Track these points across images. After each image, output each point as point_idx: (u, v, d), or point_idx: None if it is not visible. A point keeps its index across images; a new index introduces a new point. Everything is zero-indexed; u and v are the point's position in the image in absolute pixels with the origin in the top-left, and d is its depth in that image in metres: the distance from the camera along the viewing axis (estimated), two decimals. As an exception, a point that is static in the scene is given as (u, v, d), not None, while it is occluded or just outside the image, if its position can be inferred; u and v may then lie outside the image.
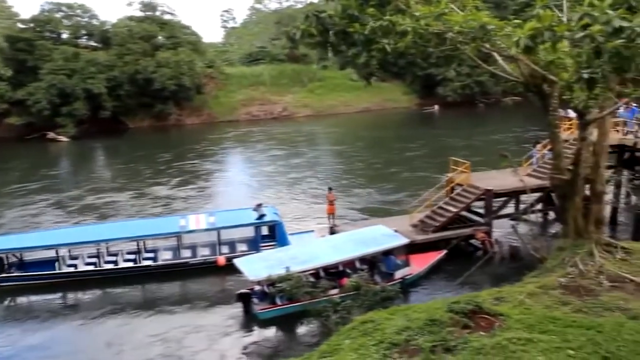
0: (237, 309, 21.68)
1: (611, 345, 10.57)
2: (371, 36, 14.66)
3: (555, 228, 26.66)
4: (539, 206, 28.95)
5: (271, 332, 20.51)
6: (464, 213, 28.02)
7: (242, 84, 75.52)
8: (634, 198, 28.73)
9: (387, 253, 23.36)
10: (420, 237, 26.28)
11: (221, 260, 25.18)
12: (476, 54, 16.71)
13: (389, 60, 17.70)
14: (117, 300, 23.22)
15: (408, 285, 23.31)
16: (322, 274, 22.56)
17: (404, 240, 23.69)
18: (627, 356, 10.18)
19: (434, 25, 13.96)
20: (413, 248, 24.87)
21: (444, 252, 25.57)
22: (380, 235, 23.93)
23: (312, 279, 21.86)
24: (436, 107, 73.33)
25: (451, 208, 27.23)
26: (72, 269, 25.25)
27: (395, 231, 24.80)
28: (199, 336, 19.95)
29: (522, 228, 25.27)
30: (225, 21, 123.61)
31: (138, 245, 26.38)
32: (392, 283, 22.12)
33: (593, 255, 17.01)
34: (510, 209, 28.53)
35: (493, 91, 69.32)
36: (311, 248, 23.31)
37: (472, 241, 27.45)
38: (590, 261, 16.78)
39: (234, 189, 40.16)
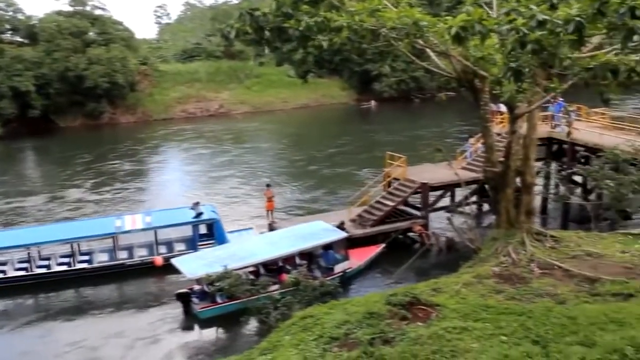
0: (177, 309, 21.43)
1: (540, 329, 11.00)
2: (306, 33, 14.73)
3: (490, 219, 27.45)
4: (474, 198, 29.75)
5: (212, 331, 20.37)
6: (402, 207, 28.52)
7: (178, 81, 74.25)
8: (562, 188, 29.87)
9: (326, 248, 23.54)
10: (358, 232, 26.60)
11: (159, 260, 24.81)
12: (410, 50, 17.06)
13: (325, 56, 17.91)
14: (46, 307, 22.50)
15: (348, 279, 23.59)
16: (262, 270, 22.55)
17: (342, 235, 23.92)
18: (554, 339, 10.62)
19: (368, 21, 14.16)
20: (352, 242, 25.18)
21: (383, 245, 25.97)
22: (319, 230, 24.08)
23: (251, 276, 21.86)
24: (373, 102, 74.10)
25: (388, 202, 27.66)
26: (0, 276, 24.35)
27: (342, 227, 25.13)
28: (137, 338, 19.62)
29: (458, 220, 25.86)
30: (159, 17, 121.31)
31: (72, 247, 25.67)
32: (332, 277, 22.39)
33: (524, 244, 17.64)
34: (445, 201, 29.23)
35: (428, 87, 70.56)
36: (250, 245, 23.27)
37: (410, 234, 28.00)
38: (522, 250, 17.41)
39: (163, 189, 39.28)
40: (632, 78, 10.42)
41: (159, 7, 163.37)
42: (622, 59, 10.38)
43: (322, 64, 18.54)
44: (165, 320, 20.90)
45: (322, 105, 74.89)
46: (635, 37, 8.56)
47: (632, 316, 11.38)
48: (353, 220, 27.42)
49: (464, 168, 28.55)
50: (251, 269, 22.32)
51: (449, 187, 28.46)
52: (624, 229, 22.76)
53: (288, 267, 23.02)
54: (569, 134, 26.19)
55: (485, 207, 30.69)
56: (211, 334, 20.25)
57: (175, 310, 21.45)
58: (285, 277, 21.30)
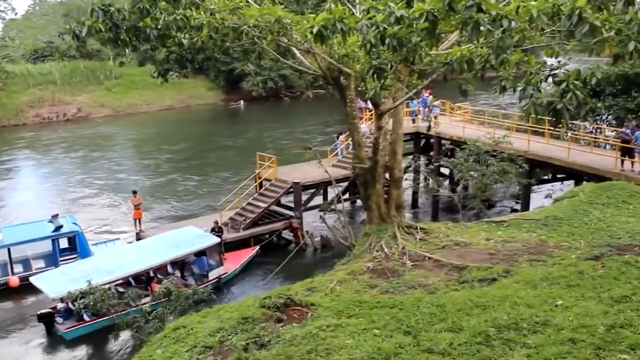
0: (40, 331, 20.30)
1: (411, 319, 11.55)
2: (165, 31, 14.49)
3: (363, 215, 28.35)
4: (346, 195, 30.62)
5: (80, 351, 19.51)
6: (274, 207, 28.86)
7: (29, 83, 69.96)
8: (431, 181, 31.42)
9: (200, 254, 23.32)
10: (231, 235, 26.62)
11: (14, 281, 23.35)
12: (275, 48, 17.22)
13: (187, 55, 17.68)
14: None
15: (224, 285, 23.52)
16: (133, 282, 21.94)
17: (215, 240, 23.79)
18: (424, 327, 11.19)
19: (229, 19, 14.11)
20: (226, 247, 25.10)
21: (257, 248, 26.15)
22: (191, 237, 23.81)
23: (121, 289, 21.20)
24: (242, 102, 74.02)
25: (260, 204, 27.88)
26: None
27: (217, 229, 24.99)
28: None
29: (331, 218, 26.53)
30: (2, 12, 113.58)
31: None
32: (206, 284, 22.22)
33: (396, 238, 18.33)
34: (318, 200, 29.94)
35: (297, 85, 71.53)
36: (117, 257, 22.53)
37: (284, 235, 28.38)
38: (394, 244, 18.07)
39: (17, 202, 36.85)
40: (485, 68, 11.18)
41: (3, 0, 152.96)
42: (475, 51, 11.13)
43: (185, 63, 18.30)
44: (29, 345, 19.77)
45: (188, 106, 73.70)
46: (482, 29, 9.25)
47: (495, 299, 12.23)
48: (225, 224, 27.34)
49: (334, 166, 29.30)
50: (120, 281, 21.64)
51: (321, 186, 29.10)
52: (488, 217, 24.34)
53: (160, 276, 22.55)
54: (429, 128, 27.66)
55: (358, 203, 31.66)
56: (80, 355, 19.39)
57: (39, 333, 20.32)
58: (157, 287, 20.84)
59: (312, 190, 29.34)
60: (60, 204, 35.06)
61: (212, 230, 25.14)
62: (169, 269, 23.48)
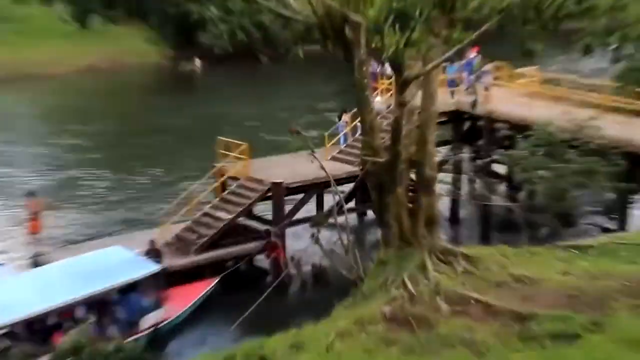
0: None
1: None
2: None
3: (375, 234, 28.09)
4: (351, 204, 30.34)
5: None
6: (243, 220, 28.81)
7: None
8: (478, 184, 31.18)
9: (128, 290, 23.14)
10: (178, 262, 26.51)
11: None
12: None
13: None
14: None
15: (163, 337, 23.40)
16: (23, 332, 21.64)
17: (152, 269, 23.57)
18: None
19: None
20: (169, 279, 24.90)
21: (216, 280, 26.03)
22: (115, 263, 23.63)
23: (7, 342, 20.96)
24: (198, 62, 73.86)
25: (223, 214, 27.87)
26: None
27: (154, 252, 24.83)
28: None
29: (329, 237, 26.27)
30: None
31: None
32: (138, 336, 22.08)
33: (426, 270, 18.11)
34: (309, 209, 29.85)
35: (282, 38, 71.50)
36: (1, 293, 22.27)
37: (258, 261, 28.43)
38: (422, 278, 17.84)
39: None
40: (560, 18, 10.88)
41: None
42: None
43: (114, 2, 18.02)
44: None
45: (118, 66, 73.36)
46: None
47: (580, 368, 11.93)
48: (170, 244, 27.20)
49: (334, 159, 29.29)
50: (4, 331, 21.31)
51: (313, 188, 28.98)
52: (565, 240, 24.09)
53: (66, 324, 22.30)
54: (475, 104, 27.56)
55: (369, 215, 31.40)
56: None
57: None
58: (61, 340, 20.63)
59: (301, 196, 29.27)
60: None
61: (148, 253, 24.92)
62: (81, 312, 23.16)
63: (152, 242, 25.58)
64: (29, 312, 21.27)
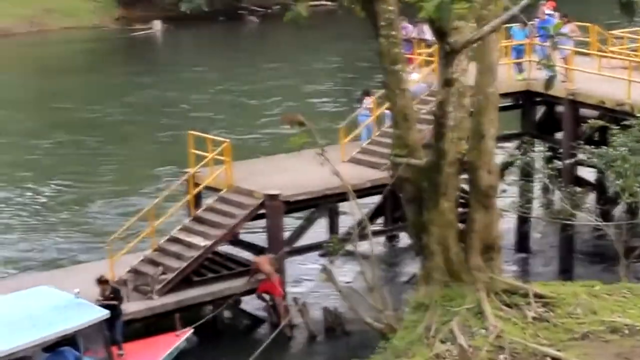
0: None
1: None
2: None
3: (413, 265, 28.23)
4: (377, 223, 30.32)
5: None
6: (226, 247, 28.88)
7: None
8: (557, 196, 31.12)
9: (63, 344, 23.15)
10: (135, 306, 26.49)
11: None
12: None
13: None
14: None
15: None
16: None
17: (96, 315, 23.51)
18: None
19: None
20: (126, 330, 24.90)
21: (189, 332, 25.93)
22: (44, 308, 23.47)
23: None
24: (158, 25, 74.16)
25: (198, 239, 27.70)
26: None
27: (114, 296, 24.79)
28: None
29: (346, 270, 26.41)
30: None
31: None
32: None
33: (483, 316, 18.20)
34: (318, 232, 29.84)
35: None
36: None
37: (247, 304, 28.36)
38: (478, 327, 17.95)
39: None
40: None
41: None
42: None
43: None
44: None
45: (44, 31, 73.65)
46: None
47: None
48: (123, 283, 27.15)
49: (353, 161, 29.17)
50: None
51: (323, 203, 28.88)
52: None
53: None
54: (551, 82, 27.29)
55: (403, 240, 31.38)
56: None
57: None
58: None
59: (307, 213, 29.39)
60: None
61: (104, 295, 24.75)
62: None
63: (102, 281, 25.22)
64: None
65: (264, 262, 27.21)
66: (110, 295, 25.00)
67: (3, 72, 64.71)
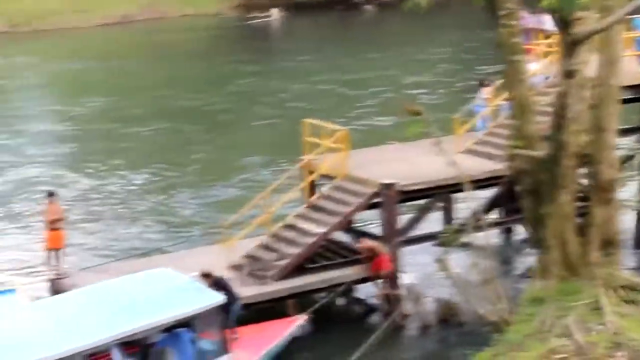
0: None
1: None
2: None
3: (527, 258, 28.08)
4: (493, 215, 30.19)
5: None
6: (340, 235, 28.91)
7: None
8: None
9: (180, 327, 23.32)
10: (249, 291, 26.63)
11: None
12: None
13: None
14: None
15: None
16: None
17: (212, 300, 23.68)
18: None
19: None
20: (239, 315, 25.08)
21: (304, 318, 26.08)
22: (163, 291, 23.78)
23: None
24: (275, 12, 74.28)
25: (313, 227, 27.78)
26: None
27: (213, 281, 25.00)
28: None
29: (460, 262, 26.29)
30: None
31: None
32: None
33: (601, 311, 17.98)
34: (434, 221, 29.59)
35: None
36: (8, 328, 22.58)
37: (359, 292, 28.41)
38: (595, 323, 17.75)
39: None
40: None
41: None
42: None
43: None
44: None
45: (164, 18, 74.20)
46: None
47: None
48: (237, 268, 27.48)
49: (469, 152, 28.96)
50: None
51: (439, 193, 28.67)
52: None
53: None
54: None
55: (519, 232, 31.14)
56: None
57: None
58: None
59: (422, 203, 29.24)
60: None
61: (204, 279, 24.83)
62: (116, 357, 23.49)
63: (205, 275, 25.19)
64: (45, 356, 21.47)
65: (369, 242, 27.56)
66: (213, 287, 25.13)
67: (120, 58, 65.41)
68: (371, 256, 27.19)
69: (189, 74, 59.56)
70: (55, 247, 28.50)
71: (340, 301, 27.80)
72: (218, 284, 24.96)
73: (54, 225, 28.43)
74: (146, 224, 35.09)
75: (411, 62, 57.41)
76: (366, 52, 60.98)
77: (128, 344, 23.11)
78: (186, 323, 23.14)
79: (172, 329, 23.33)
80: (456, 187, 26.99)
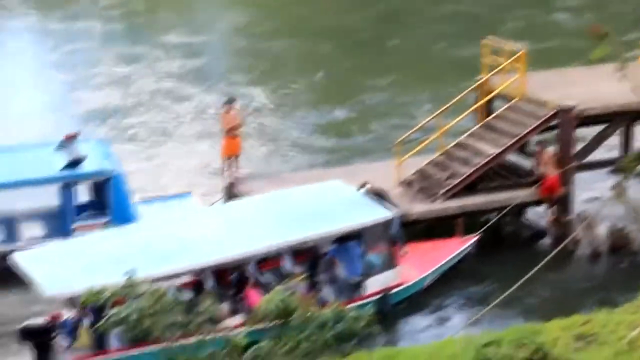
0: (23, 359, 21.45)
1: None
2: None
3: None
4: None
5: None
6: (511, 157, 28.68)
7: None
8: None
9: (349, 239, 23.65)
10: (419, 208, 26.73)
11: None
12: None
13: None
14: None
15: (394, 307, 23.74)
16: (209, 283, 22.48)
17: (386, 214, 23.90)
18: None
19: None
20: (406, 230, 25.10)
21: (474, 238, 26.10)
22: (335, 202, 24.13)
23: (189, 295, 21.64)
24: None
25: (487, 147, 27.68)
26: None
27: (379, 195, 25.07)
28: None
29: (637, 189, 25.80)
30: None
31: None
32: (361, 302, 22.53)
33: None
34: (611, 148, 29.23)
35: None
36: (184, 229, 23.18)
37: (528, 216, 28.24)
38: None
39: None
40: None
41: None
42: None
43: None
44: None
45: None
46: None
47: None
48: (408, 184, 27.50)
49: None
50: (187, 279, 22.32)
51: (619, 119, 28.23)
52: None
53: (265, 278, 23.09)
54: None
55: None
56: None
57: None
58: (259, 298, 21.19)
59: (600, 128, 28.56)
60: (77, 115, 36.85)
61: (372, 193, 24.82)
62: (287, 264, 23.93)
63: (366, 186, 25.11)
64: (220, 257, 21.91)
65: (547, 153, 27.25)
66: (381, 195, 25.07)
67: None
68: (543, 177, 27.02)
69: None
70: (231, 154, 28.93)
71: (510, 224, 27.59)
72: (383, 195, 25.08)
73: (231, 132, 28.81)
74: (317, 138, 35.38)
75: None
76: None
77: (298, 253, 23.50)
78: (356, 236, 23.39)
79: (341, 241, 23.55)
80: (637, 115, 26.53)
